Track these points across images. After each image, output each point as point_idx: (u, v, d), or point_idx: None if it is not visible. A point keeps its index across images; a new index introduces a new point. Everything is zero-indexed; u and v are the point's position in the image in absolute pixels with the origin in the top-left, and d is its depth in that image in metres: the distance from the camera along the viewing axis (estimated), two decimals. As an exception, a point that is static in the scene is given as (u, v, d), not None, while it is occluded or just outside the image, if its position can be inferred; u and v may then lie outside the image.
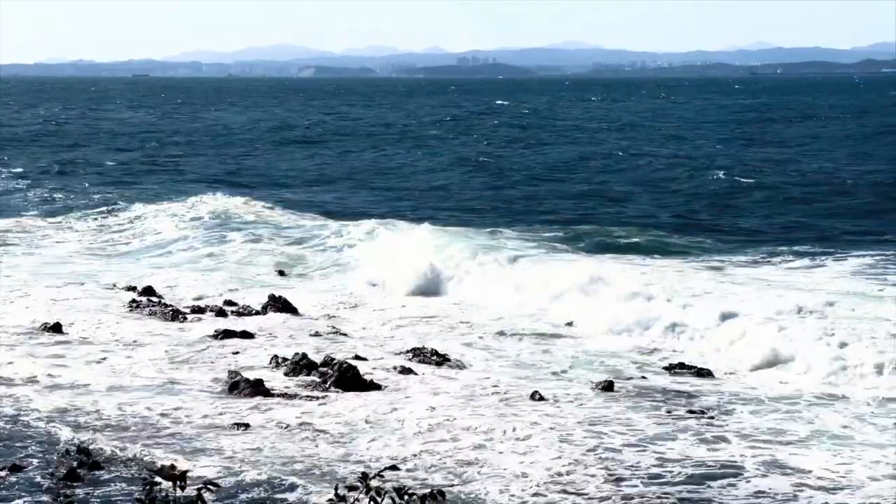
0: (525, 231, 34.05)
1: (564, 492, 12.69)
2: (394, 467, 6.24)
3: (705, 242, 32.05)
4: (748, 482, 13.09)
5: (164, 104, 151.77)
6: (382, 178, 54.19)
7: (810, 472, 13.40)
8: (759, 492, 12.81)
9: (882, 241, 31.36)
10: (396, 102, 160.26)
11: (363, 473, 5.40)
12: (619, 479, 13.10)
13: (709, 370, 18.60)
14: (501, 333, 21.49)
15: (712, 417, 15.66)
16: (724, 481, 13.09)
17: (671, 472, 13.39)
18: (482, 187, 49.20)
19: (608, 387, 17.12)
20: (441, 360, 18.88)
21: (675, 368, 18.72)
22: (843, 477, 13.27)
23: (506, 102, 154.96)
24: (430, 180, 52.51)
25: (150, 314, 22.77)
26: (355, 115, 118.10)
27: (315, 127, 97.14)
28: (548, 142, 75.88)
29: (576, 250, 30.47)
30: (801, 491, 12.82)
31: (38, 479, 12.94)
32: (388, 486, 5.45)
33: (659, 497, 12.54)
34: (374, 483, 5.29)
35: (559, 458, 13.79)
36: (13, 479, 12.94)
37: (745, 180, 48.01)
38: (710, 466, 13.61)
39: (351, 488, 5.30)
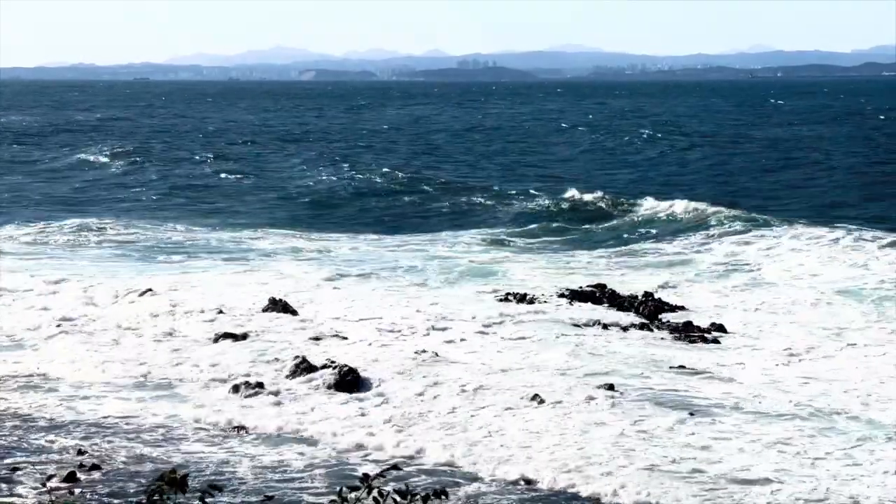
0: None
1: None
2: (395, 467, 6.17)
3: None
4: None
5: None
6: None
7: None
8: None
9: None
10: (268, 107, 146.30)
11: (364, 474, 5.35)
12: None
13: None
14: None
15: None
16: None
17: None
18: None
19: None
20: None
21: None
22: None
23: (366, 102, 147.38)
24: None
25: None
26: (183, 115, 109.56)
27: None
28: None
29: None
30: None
31: (38, 480, 12.90)
32: (390, 486, 5.39)
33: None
34: (376, 483, 5.24)
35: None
36: (13, 480, 12.90)
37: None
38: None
39: (353, 489, 5.25)
